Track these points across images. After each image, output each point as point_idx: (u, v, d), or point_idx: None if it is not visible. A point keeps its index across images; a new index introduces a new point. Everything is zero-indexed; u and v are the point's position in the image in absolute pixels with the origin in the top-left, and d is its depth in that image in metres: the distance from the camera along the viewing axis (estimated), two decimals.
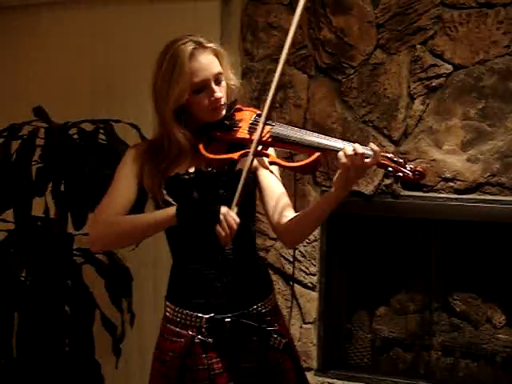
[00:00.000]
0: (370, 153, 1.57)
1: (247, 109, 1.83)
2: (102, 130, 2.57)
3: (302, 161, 1.69)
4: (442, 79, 2.61)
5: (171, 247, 1.85)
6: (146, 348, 3.14)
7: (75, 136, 2.53)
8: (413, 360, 2.89)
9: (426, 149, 2.64)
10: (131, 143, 2.62)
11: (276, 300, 1.92)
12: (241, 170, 1.69)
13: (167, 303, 1.84)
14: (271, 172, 1.84)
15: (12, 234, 2.53)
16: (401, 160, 1.60)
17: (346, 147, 1.59)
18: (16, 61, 3.26)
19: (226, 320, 1.76)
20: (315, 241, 2.84)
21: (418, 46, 2.63)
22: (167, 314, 1.82)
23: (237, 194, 1.65)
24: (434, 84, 2.62)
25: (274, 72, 1.69)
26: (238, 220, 1.63)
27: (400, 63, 2.66)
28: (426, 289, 2.86)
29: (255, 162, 1.75)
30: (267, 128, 1.71)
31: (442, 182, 2.64)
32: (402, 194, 2.70)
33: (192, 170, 1.77)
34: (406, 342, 2.91)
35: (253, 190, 1.83)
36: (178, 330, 1.78)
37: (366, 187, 2.72)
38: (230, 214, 1.63)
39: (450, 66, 2.60)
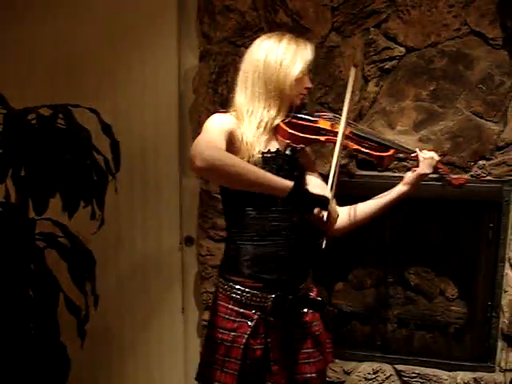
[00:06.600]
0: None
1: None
2: (60, 115, 2.57)
3: (380, 153, 2.01)
4: (394, 61, 2.68)
5: (237, 224, 1.92)
6: (109, 328, 3.20)
7: (34, 121, 2.53)
8: (370, 332, 3.00)
9: (380, 130, 2.71)
10: (90, 128, 2.64)
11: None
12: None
13: (230, 283, 1.91)
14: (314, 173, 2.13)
15: None
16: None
17: (433, 154, 2.09)
18: None
19: (289, 297, 1.89)
20: None
21: (372, 29, 2.68)
22: (232, 294, 1.90)
23: (329, 183, 1.82)
24: (387, 66, 2.69)
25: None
26: (338, 212, 1.82)
27: (354, 46, 2.70)
28: (381, 264, 2.95)
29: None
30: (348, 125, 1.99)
31: (395, 162, 2.73)
32: (357, 173, 2.78)
33: (273, 149, 1.94)
34: (364, 315, 3.01)
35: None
36: (242, 310, 1.88)
37: (323, 167, 2.78)
38: (332, 207, 1.78)
39: (402, 49, 2.66)
